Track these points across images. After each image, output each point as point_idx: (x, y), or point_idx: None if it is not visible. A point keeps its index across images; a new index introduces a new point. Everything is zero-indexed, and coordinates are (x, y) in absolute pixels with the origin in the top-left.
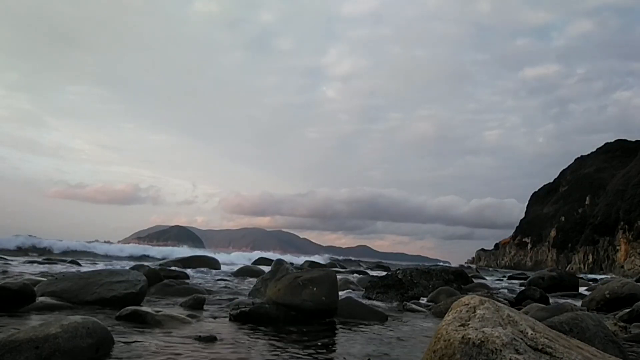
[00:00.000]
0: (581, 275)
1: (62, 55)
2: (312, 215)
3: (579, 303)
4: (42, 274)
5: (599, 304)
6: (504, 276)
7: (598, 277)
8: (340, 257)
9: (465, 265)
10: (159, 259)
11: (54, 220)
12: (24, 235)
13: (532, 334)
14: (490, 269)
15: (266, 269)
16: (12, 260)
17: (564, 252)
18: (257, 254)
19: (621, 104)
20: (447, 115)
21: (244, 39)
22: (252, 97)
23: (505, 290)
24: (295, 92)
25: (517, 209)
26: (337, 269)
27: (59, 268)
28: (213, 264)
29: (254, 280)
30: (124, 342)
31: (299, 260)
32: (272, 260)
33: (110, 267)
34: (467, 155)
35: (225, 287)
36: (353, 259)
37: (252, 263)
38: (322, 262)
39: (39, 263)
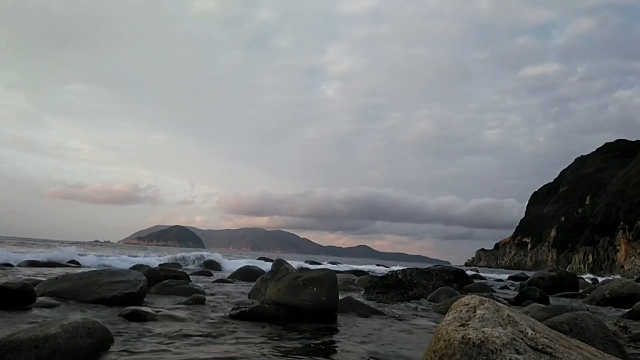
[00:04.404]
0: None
1: (60, 54)
2: (311, 215)
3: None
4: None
5: (599, 304)
6: (504, 276)
7: (599, 278)
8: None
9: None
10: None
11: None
12: None
13: (532, 334)
14: (490, 269)
15: (266, 269)
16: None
17: (564, 252)
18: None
19: (622, 103)
20: (447, 115)
21: (242, 37)
22: (251, 96)
23: (506, 290)
24: (295, 91)
25: (516, 209)
26: (336, 269)
27: (58, 271)
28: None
29: (254, 280)
30: (123, 342)
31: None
32: (272, 261)
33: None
34: (467, 155)
35: (225, 287)
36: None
37: (252, 264)
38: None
39: (41, 265)
